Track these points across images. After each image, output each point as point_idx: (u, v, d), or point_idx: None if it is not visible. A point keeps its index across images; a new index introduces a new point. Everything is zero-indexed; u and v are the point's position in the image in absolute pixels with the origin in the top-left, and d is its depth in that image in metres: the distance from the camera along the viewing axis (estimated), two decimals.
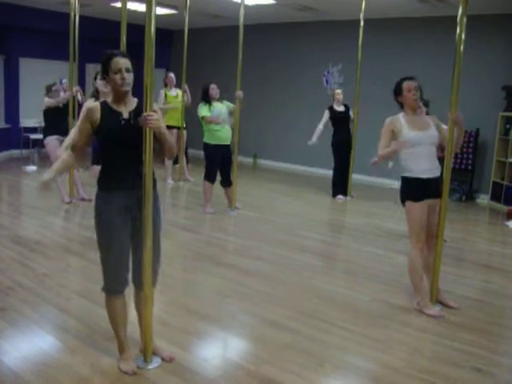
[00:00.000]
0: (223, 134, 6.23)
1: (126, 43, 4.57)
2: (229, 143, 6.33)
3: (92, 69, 10.66)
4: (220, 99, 6.31)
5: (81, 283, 3.94)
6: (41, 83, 7.06)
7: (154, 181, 2.68)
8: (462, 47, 3.47)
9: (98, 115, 2.57)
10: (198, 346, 3.07)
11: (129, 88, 2.59)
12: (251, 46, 9.27)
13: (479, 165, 8.10)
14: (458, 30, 3.46)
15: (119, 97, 2.62)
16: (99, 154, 2.82)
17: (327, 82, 9.83)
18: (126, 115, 2.61)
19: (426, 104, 5.09)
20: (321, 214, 6.88)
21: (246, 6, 6.62)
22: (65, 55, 7.17)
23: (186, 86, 8.07)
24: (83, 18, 7.18)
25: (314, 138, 7.43)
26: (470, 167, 7.97)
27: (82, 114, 2.60)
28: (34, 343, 2.96)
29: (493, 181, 7.67)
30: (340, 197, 7.65)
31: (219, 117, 6.17)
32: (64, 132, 6.48)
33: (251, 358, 2.93)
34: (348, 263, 4.80)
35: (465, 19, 3.45)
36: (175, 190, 8.04)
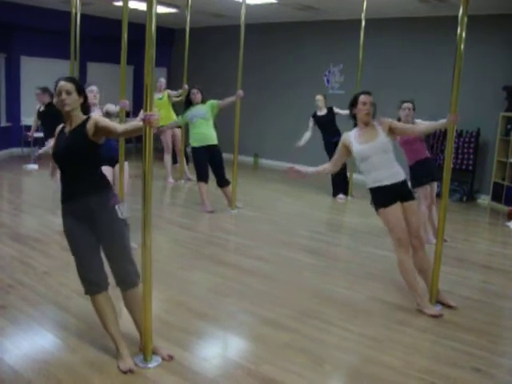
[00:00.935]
0: (205, 135, 6.30)
1: (127, 42, 4.57)
2: (215, 143, 6.38)
3: (93, 67, 10.68)
4: (204, 100, 6.40)
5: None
6: (42, 82, 7.06)
7: (104, 187, 2.83)
8: (462, 47, 3.47)
9: (56, 135, 2.86)
10: (197, 345, 3.08)
11: (69, 108, 2.74)
12: (252, 46, 9.25)
13: (480, 165, 8.10)
14: (458, 30, 3.46)
15: (65, 116, 2.81)
16: None
17: (328, 81, 9.83)
18: (67, 133, 2.79)
19: (413, 108, 5.14)
20: (321, 214, 6.88)
21: (248, 5, 6.62)
22: (66, 54, 7.15)
23: (186, 86, 8.05)
24: (84, 17, 7.17)
25: (301, 143, 7.58)
26: (470, 167, 7.96)
27: None
28: (34, 341, 2.97)
29: (494, 181, 7.66)
30: (341, 196, 7.66)
31: (193, 119, 6.33)
32: None
33: (251, 358, 2.94)
34: (347, 263, 4.80)
35: (465, 19, 3.45)
36: (176, 189, 8.05)
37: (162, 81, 8.46)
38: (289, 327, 3.34)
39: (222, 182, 6.42)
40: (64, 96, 2.72)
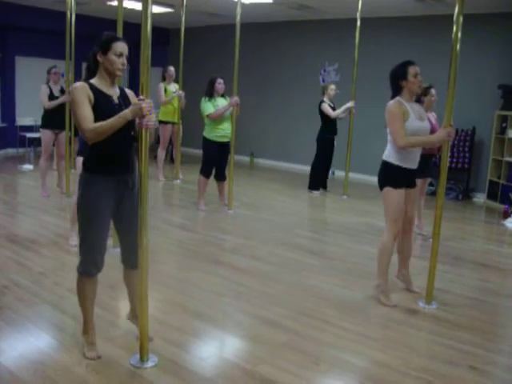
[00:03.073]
0: (226, 131, 6.21)
1: None
2: (228, 140, 6.30)
3: None
4: (224, 95, 6.24)
5: None
6: (37, 82, 7.04)
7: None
8: (458, 46, 3.47)
9: (91, 95, 2.53)
10: (194, 344, 3.07)
11: (121, 74, 2.62)
12: (248, 45, 9.27)
13: (475, 164, 8.12)
14: (454, 29, 3.46)
15: (109, 80, 2.63)
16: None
17: (324, 80, 9.83)
18: (115, 100, 2.63)
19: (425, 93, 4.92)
20: (317, 213, 6.88)
21: (243, 5, 6.61)
22: (61, 54, 7.15)
23: (182, 93, 7.94)
24: (79, 17, 7.17)
25: (341, 111, 7.39)
26: (466, 166, 7.99)
27: (77, 95, 2.48)
28: (30, 342, 2.95)
29: (489, 179, 7.69)
30: (315, 192, 7.73)
31: (223, 114, 6.12)
32: (60, 125, 6.45)
33: (247, 357, 2.93)
34: (344, 262, 4.80)
35: (461, 18, 3.45)
36: (170, 188, 8.03)
37: (172, 70, 8.08)
38: (286, 327, 3.33)
39: (222, 176, 6.44)
40: (125, 60, 2.58)
